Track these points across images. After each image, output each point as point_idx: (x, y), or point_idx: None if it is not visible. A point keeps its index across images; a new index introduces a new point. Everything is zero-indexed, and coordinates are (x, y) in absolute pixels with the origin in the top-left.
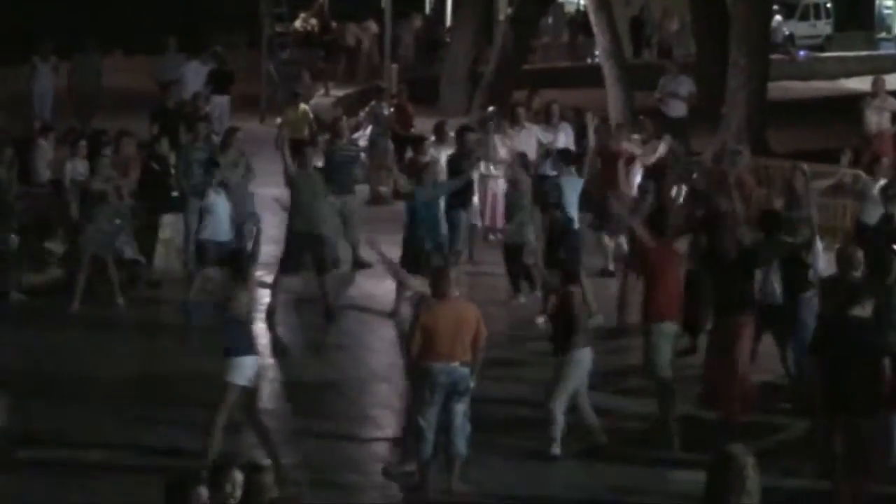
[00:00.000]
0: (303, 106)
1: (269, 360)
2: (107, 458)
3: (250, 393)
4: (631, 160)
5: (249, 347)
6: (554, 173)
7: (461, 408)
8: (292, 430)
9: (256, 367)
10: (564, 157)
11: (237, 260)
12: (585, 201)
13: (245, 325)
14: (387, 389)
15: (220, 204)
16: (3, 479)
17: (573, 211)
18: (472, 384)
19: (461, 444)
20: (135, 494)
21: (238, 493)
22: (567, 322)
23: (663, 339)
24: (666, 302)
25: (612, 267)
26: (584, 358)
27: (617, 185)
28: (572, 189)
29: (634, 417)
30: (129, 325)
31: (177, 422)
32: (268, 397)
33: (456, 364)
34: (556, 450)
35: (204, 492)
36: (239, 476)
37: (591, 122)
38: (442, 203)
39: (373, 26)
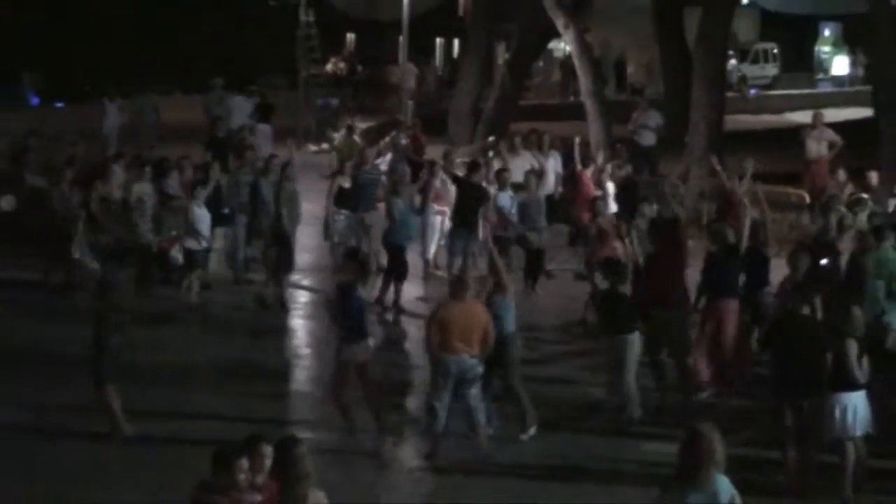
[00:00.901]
0: (355, 137)
1: (305, 350)
2: (170, 431)
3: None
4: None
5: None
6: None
7: (473, 391)
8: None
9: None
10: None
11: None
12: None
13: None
14: (404, 373)
15: (202, 217)
16: (76, 448)
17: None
18: (480, 371)
19: (481, 417)
20: (190, 464)
21: (267, 463)
22: (620, 308)
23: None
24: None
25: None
26: (637, 340)
27: (584, 201)
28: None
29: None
30: (186, 319)
31: (231, 398)
32: (313, 379)
33: (465, 356)
34: (638, 412)
35: (245, 462)
36: (268, 448)
37: (577, 146)
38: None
39: (413, 68)
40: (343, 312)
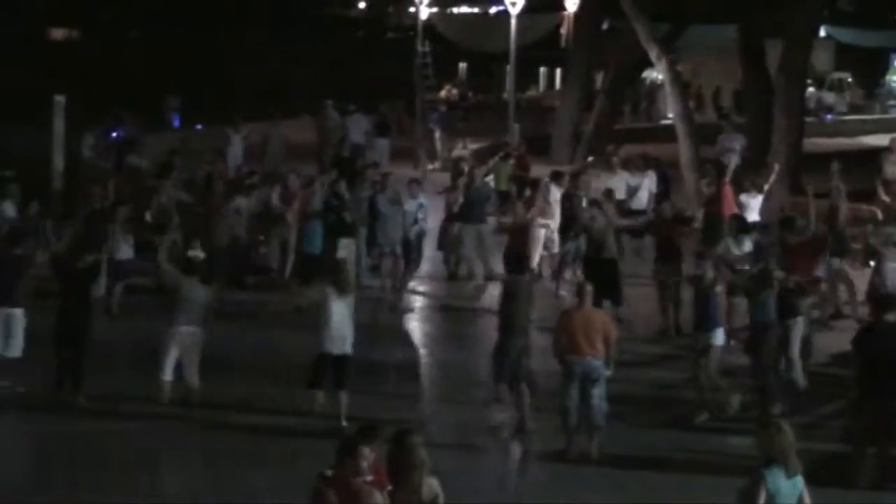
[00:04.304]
0: (510, 162)
1: (422, 350)
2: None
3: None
4: None
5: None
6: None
7: (597, 391)
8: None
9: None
10: None
11: None
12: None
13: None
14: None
15: None
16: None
17: None
18: (607, 373)
19: (599, 418)
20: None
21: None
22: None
23: None
24: None
25: None
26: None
27: None
28: None
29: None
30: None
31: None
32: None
33: (588, 358)
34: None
35: (367, 450)
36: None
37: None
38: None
39: None
40: (700, 305)
